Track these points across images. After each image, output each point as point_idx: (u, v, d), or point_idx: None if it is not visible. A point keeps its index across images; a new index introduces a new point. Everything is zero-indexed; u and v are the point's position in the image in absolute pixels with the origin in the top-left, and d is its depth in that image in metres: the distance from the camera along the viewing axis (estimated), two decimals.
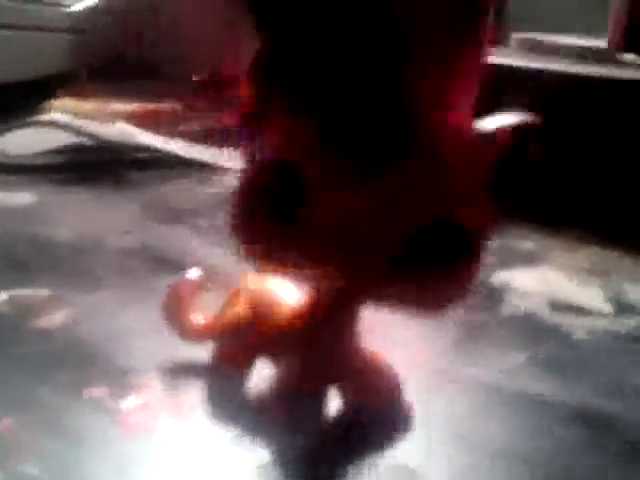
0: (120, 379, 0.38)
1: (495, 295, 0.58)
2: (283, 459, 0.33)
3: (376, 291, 0.30)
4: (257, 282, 0.38)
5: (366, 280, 0.29)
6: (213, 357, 0.38)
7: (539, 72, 0.88)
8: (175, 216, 0.72)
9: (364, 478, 0.32)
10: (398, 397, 0.37)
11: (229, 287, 0.39)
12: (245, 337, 0.37)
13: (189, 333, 0.40)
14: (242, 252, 0.30)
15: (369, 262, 0.28)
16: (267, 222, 0.28)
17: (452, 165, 0.29)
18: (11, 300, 0.47)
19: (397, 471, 0.33)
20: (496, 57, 0.95)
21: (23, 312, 0.45)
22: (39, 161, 0.87)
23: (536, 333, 0.51)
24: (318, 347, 0.34)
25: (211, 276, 0.42)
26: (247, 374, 0.37)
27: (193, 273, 0.41)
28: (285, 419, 0.34)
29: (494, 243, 0.74)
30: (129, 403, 0.36)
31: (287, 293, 0.35)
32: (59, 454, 0.32)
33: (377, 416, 0.36)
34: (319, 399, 0.35)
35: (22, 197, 0.74)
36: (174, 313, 0.40)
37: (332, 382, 0.35)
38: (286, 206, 0.28)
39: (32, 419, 0.34)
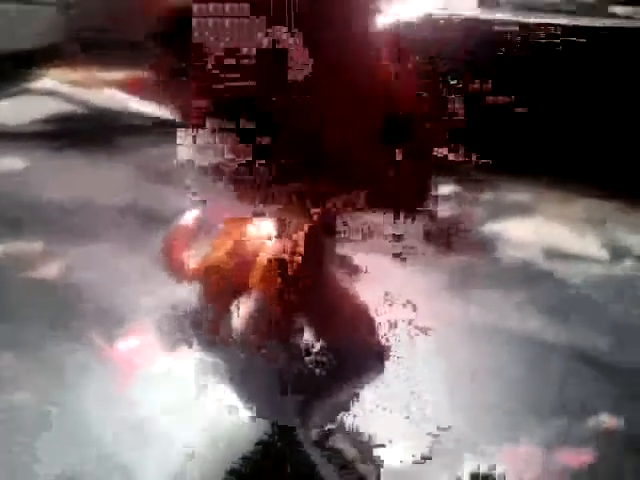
0: (112, 322, 0.38)
1: (489, 245, 0.58)
2: (261, 393, 0.33)
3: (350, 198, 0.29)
4: (240, 225, 0.38)
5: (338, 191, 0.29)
6: (199, 296, 0.38)
7: (530, 26, 0.87)
8: (165, 177, 0.72)
9: (346, 412, 0.32)
10: (372, 335, 0.36)
11: (218, 232, 0.39)
12: (227, 276, 0.37)
13: (181, 274, 0.40)
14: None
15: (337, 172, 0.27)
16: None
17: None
18: (5, 252, 0.47)
19: (388, 403, 0.33)
20: (489, 15, 0.95)
21: (18, 263, 0.45)
22: (31, 128, 0.87)
23: (531, 279, 0.51)
24: (293, 282, 0.34)
25: (204, 222, 0.42)
26: (230, 311, 0.37)
27: (188, 217, 0.41)
28: (262, 354, 0.34)
29: (487, 196, 0.74)
30: (124, 343, 0.36)
31: (266, 233, 0.35)
32: (50, 390, 0.32)
33: (351, 352, 0.36)
34: (293, 334, 0.35)
35: (14, 163, 0.74)
36: (169, 256, 0.40)
37: (307, 317, 0.35)
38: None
39: (29, 358, 0.34)
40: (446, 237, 0.56)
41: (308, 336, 0.36)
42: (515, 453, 0.28)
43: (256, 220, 0.37)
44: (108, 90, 0.97)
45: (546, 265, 0.51)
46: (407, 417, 0.30)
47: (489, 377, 0.33)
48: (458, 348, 0.36)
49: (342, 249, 0.49)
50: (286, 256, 0.34)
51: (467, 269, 0.48)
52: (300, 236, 0.33)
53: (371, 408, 0.32)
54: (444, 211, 0.67)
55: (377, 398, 0.33)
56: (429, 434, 0.28)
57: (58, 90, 0.89)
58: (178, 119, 0.93)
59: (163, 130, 0.92)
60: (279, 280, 0.34)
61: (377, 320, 0.36)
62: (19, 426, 0.27)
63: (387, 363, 0.36)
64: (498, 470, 0.27)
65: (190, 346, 0.37)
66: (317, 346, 0.36)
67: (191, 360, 0.35)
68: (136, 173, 0.71)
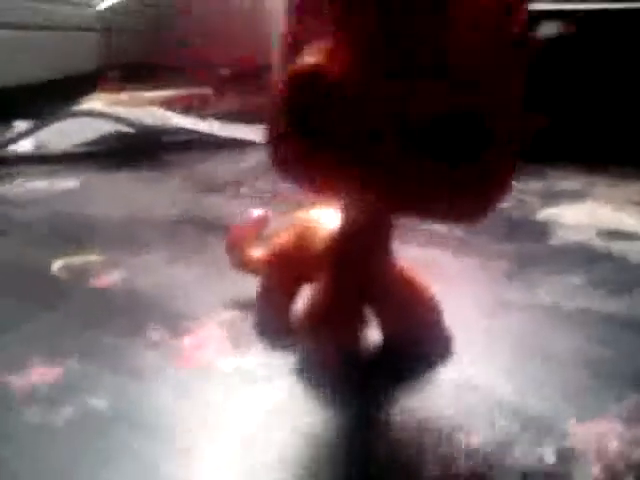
0: (176, 322, 0.39)
1: (544, 229, 0.58)
2: (328, 382, 0.33)
3: (408, 201, 0.28)
4: (301, 217, 0.38)
5: (398, 191, 0.28)
6: (261, 287, 0.39)
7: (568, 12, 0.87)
8: (214, 187, 0.73)
9: (414, 396, 0.32)
10: (436, 319, 0.36)
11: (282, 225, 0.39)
12: (289, 266, 0.37)
13: (244, 266, 0.42)
14: (277, 168, 0.29)
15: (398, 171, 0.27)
16: (296, 135, 0.28)
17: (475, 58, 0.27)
18: (66, 266, 0.48)
19: (461, 387, 0.33)
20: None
21: (79, 275, 0.46)
22: (81, 150, 0.89)
23: (589, 259, 0.50)
24: (355, 269, 0.34)
25: (267, 216, 0.43)
26: (292, 301, 0.38)
27: (255, 212, 0.42)
28: (328, 344, 0.34)
29: (538, 185, 0.74)
30: (185, 342, 0.37)
31: (327, 222, 0.36)
32: (124, 390, 0.32)
33: (414, 339, 0.36)
34: (357, 321, 0.35)
35: (68, 183, 0.76)
36: (233, 248, 0.42)
37: (369, 303, 0.35)
38: (314, 118, 0.27)
39: (98, 360, 0.35)
40: (501, 226, 0.56)
41: (374, 324, 0.36)
42: (594, 429, 0.28)
43: (320, 209, 0.37)
44: (153, 109, 0.99)
45: (603, 246, 0.50)
46: (484, 397, 0.30)
47: (560, 356, 0.33)
48: (524, 330, 0.36)
49: (395, 243, 0.49)
50: (349, 244, 0.34)
51: (525, 255, 0.48)
52: (362, 224, 0.33)
53: (447, 391, 0.32)
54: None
55: (453, 382, 0.33)
56: (508, 415, 0.28)
57: (105, 111, 0.90)
58: (224, 134, 0.94)
59: (207, 145, 0.94)
60: (343, 268, 0.34)
61: (442, 308, 0.36)
62: (95, 431, 0.27)
63: (455, 349, 0.36)
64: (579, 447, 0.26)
65: (257, 340, 0.38)
66: (383, 334, 0.37)
67: (259, 356, 0.36)
68: (185, 186, 0.73)
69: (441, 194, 0.27)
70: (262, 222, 0.42)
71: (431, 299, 0.36)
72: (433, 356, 0.36)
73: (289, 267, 0.37)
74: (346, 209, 0.33)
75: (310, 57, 0.28)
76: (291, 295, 0.37)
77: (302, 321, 0.34)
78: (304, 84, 0.27)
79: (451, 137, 0.26)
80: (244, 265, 0.41)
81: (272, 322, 0.38)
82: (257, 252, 0.41)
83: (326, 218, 0.36)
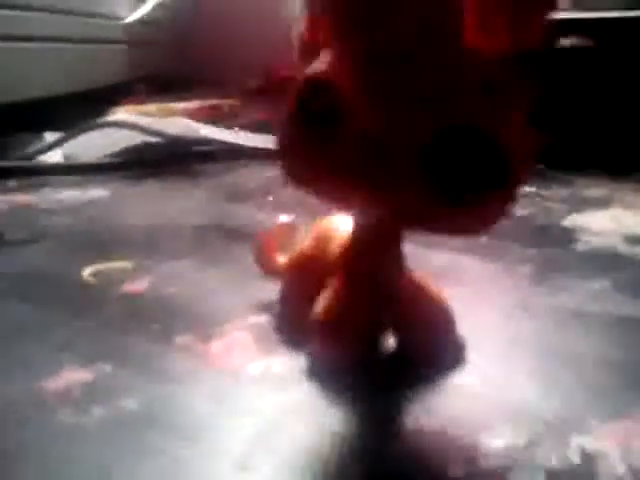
0: (205, 327, 0.40)
1: (569, 235, 0.58)
2: (347, 388, 0.33)
3: (418, 215, 0.28)
4: (322, 224, 0.39)
5: (402, 206, 0.27)
6: (283, 292, 0.40)
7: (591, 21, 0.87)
8: (240, 196, 0.74)
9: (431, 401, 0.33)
10: (450, 327, 0.37)
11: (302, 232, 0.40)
12: (308, 272, 0.38)
13: (270, 272, 0.43)
14: (288, 175, 0.29)
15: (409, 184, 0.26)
16: (308, 141, 0.28)
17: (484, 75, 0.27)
18: (97, 272, 0.49)
19: (483, 388, 0.33)
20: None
21: (109, 281, 0.47)
22: (109, 160, 0.91)
23: (614, 263, 0.50)
24: (365, 274, 0.34)
25: (294, 224, 0.44)
26: (312, 306, 0.38)
27: (283, 219, 0.43)
28: (345, 351, 0.35)
29: (564, 192, 0.74)
30: (214, 346, 0.38)
31: (346, 229, 0.36)
32: (154, 392, 0.33)
33: (429, 346, 0.36)
34: (374, 330, 0.35)
35: (99, 192, 0.77)
36: (260, 254, 0.43)
37: (386, 312, 0.35)
38: (326, 124, 0.27)
39: (128, 364, 0.36)
40: (527, 232, 0.56)
41: (390, 330, 0.36)
42: (618, 429, 0.28)
43: (341, 216, 0.38)
44: (179, 119, 1.00)
45: (628, 251, 0.50)
46: (509, 399, 0.30)
47: (583, 359, 0.33)
48: (548, 334, 0.36)
49: (417, 247, 0.49)
50: (359, 249, 0.34)
51: (551, 260, 0.48)
52: (372, 230, 0.33)
53: (469, 393, 0.32)
54: (520, 209, 0.67)
55: (474, 384, 0.33)
56: (531, 416, 0.29)
57: (133, 122, 0.92)
58: (251, 144, 0.95)
59: (234, 155, 0.95)
60: (353, 273, 0.35)
61: (454, 313, 0.37)
62: (129, 432, 0.28)
63: (475, 352, 0.37)
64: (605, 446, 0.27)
65: (283, 345, 0.38)
66: (398, 339, 0.37)
67: (287, 359, 0.36)
68: (212, 195, 0.74)
69: (443, 213, 0.26)
70: (289, 229, 0.43)
71: (443, 305, 0.37)
72: (446, 360, 0.36)
73: (308, 273, 0.38)
74: (356, 215, 0.34)
75: (319, 64, 0.29)
76: (311, 301, 0.38)
77: (312, 325, 0.35)
78: (307, 92, 0.28)
79: (456, 159, 0.25)
80: (273, 272, 0.42)
81: (292, 328, 0.39)
82: (283, 258, 0.42)
83: (345, 225, 0.36)
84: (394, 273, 0.35)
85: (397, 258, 0.35)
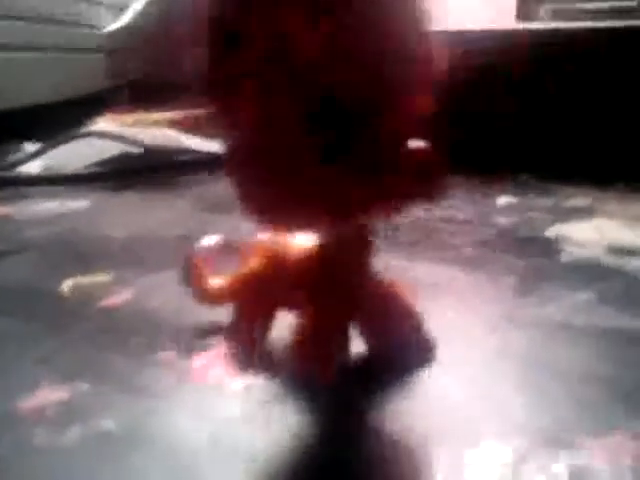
0: (185, 341, 0.39)
1: (553, 245, 0.58)
2: (313, 401, 0.33)
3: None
4: (267, 240, 0.37)
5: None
6: (234, 316, 0.38)
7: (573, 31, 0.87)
8: (224, 207, 0.73)
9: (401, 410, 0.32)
10: (419, 334, 0.37)
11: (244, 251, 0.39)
12: (262, 292, 0.37)
13: (208, 297, 0.41)
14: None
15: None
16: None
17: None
18: (76, 286, 0.48)
19: (467, 400, 0.33)
20: (530, 24, 0.95)
21: (88, 295, 0.47)
22: (89, 171, 0.90)
23: (599, 275, 0.50)
24: (333, 289, 0.34)
25: (227, 243, 0.42)
26: (268, 327, 0.37)
27: (207, 241, 0.41)
28: (311, 363, 0.34)
29: (548, 202, 0.74)
30: (195, 361, 0.37)
31: (296, 240, 0.35)
32: (134, 409, 0.32)
33: (399, 351, 0.36)
34: (341, 339, 0.35)
35: (77, 204, 0.76)
36: (192, 279, 0.41)
37: (351, 321, 0.35)
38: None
39: (107, 381, 0.35)
40: (510, 243, 0.56)
41: (356, 344, 0.36)
42: (606, 445, 0.28)
43: (287, 234, 0.36)
44: (160, 130, 0.99)
45: (613, 262, 0.50)
46: (494, 414, 0.30)
47: (570, 372, 0.33)
48: (533, 346, 0.36)
49: (401, 259, 0.49)
50: (323, 265, 0.34)
51: (535, 271, 0.47)
52: (334, 243, 0.33)
53: (453, 405, 0.31)
54: (504, 220, 0.67)
55: (461, 399, 0.32)
56: (520, 432, 0.28)
57: (113, 132, 0.91)
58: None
59: (216, 165, 0.95)
60: (319, 291, 0.34)
61: (423, 317, 0.37)
62: (108, 452, 0.27)
63: (457, 364, 0.36)
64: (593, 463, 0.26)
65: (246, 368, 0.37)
66: (367, 344, 0.37)
67: (270, 374, 0.36)
68: (194, 206, 0.73)
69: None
70: (218, 250, 0.42)
71: (411, 307, 0.36)
72: (418, 363, 0.36)
73: (262, 293, 0.36)
74: (320, 230, 0.33)
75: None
76: (266, 321, 0.37)
77: (294, 346, 0.34)
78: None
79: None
80: (207, 296, 0.41)
81: (249, 352, 0.37)
82: (217, 281, 0.40)
83: (295, 239, 0.35)
84: (364, 280, 0.35)
85: (367, 265, 0.35)
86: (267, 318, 0.37)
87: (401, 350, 0.36)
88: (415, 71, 0.27)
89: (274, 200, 0.28)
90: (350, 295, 0.34)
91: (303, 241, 0.35)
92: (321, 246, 0.33)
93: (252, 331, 0.37)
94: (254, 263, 0.37)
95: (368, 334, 0.36)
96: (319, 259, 0.34)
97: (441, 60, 0.28)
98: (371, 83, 0.27)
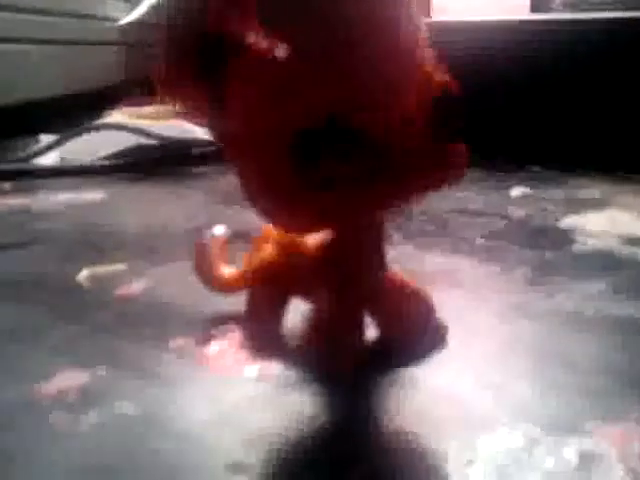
0: (200, 330, 0.40)
1: (566, 237, 0.58)
2: (329, 387, 0.33)
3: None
4: (279, 231, 0.38)
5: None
6: (248, 304, 0.39)
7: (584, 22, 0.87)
8: (238, 198, 0.73)
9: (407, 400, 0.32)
10: (431, 319, 0.37)
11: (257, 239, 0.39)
12: (275, 280, 0.37)
13: (219, 285, 0.42)
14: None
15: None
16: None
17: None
18: (92, 275, 0.49)
19: (479, 388, 0.33)
20: (543, 15, 0.95)
21: (104, 284, 0.47)
22: (104, 163, 0.90)
23: (611, 266, 0.50)
24: (346, 276, 0.34)
25: (239, 231, 0.43)
26: (282, 314, 0.38)
27: (219, 230, 0.42)
28: (331, 350, 0.35)
29: (560, 193, 0.74)
30: (209, 349, 0.37)
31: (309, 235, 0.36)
32: (149, 395, 0.33)
33: (411, 339, 0.37)
34: (357, 327, 0.35)
35: (93, 195, 0.77)
36: (204, 268, 0.41)
37: (364, 308, 0.35)
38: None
39: (123, 368, 0.35)
40: (523, 234, 0.56)
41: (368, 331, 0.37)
42: (616, 432, 0.28)
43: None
44: (175, 121, 1.00)
45: (625, 252, 0.50)
46: (505, 401, 0.30)
47: (581, 361, 0.33)
48: (545, 336, 0.36)
49: (414, 250, 0.49)
50: (344, 253, 0.34)
51: (547, 262, 0.48)
52: (354, 232, 0.34)
53: (465, 392, 0.32)
54: (517, 211, 0.67)
55: (470, 382, 0.33)
56: (527, 417, 0.28)
57: (129, 124, 0.92)
58: None
59: None
60: (332, 279, 0.35)
61: (434, 303, 0.37)
62: (124, 436, 0.28)
63: (469, 354, 0.37)
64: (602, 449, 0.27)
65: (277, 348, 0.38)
66: (381, 332, 0.37)
67: (284, 362, 0.36)
68: (208, 198, 0.73)
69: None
70: (230, 238, 0.42)
71: (424, 295, 0.37)
72: (430, 350, 0.36)
73: (276, 281, 0.37)
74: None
75: None
76: (280, 309, 0.38)
77: (310, 334, 0.35)
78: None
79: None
80: (218, 284, 0.41)
81: (264, 338, 0.38)
82: (227, 269, 0.41)
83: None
84: (378, 270, 0.35)
85: (380, 256, 0.35)
86: (281, 305, 0.38)
87: (413, 337, 0.36)
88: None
89: (283, 202, 0.28)
90: (363, 283, 0.35)
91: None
92: (334, 234, 0.34)
93: (266, 318, 0.38)
94: (267, 251, 0.37)
95: (381, 322, 0.36)
96: (332, 247, 0.34)
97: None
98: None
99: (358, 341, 0.35)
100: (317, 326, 0.35)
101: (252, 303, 0.38)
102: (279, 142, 0.27)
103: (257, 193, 0.29)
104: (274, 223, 0.30)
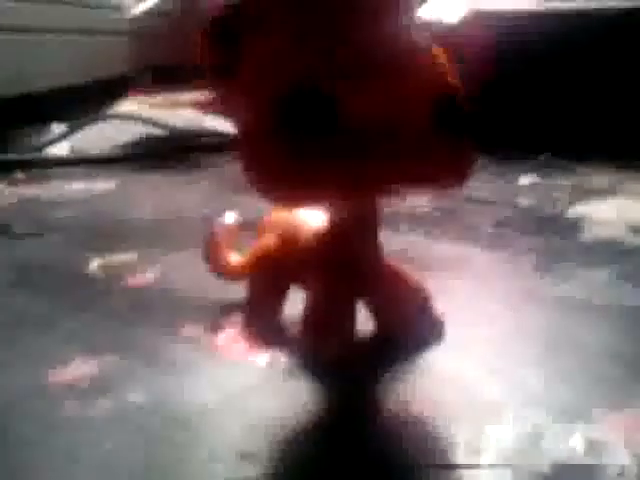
0: (210, 318, 0.40)
1: (574, 225, 0.58)
2: (332, 375, 0.34)
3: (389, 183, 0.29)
4: (281, 215, 0.39)
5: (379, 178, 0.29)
6: (248, 292, 0.39)
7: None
8: (245, 188, 0.74)
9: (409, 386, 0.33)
10: (427, 309, 0.37)
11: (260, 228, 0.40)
12: (275, 269, 0.38)
13: (227, 272, 0.42)
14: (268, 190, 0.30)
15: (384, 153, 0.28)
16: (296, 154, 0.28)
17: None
18: (104, 264, 0.49)
19: (488, 375, 0.33)
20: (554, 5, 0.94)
21: (115, 273, 0.48)
22: (115, 152, 0.91)
23: (619, 254, 0.50)
24: (343, 266, 0.35)
25: (246, 220, 0.43)
26: (281, 303, 0.39)
27: (229, 218, 0.42)
28: (320, 336, 0.35)
29: (569, 182, 0.73)
30: (220, 337, 0.38)
31: (309, 219, 0.36)
32: (161, 383, 0.33)
33: (407, 326, 0.37)
34: (349, 314, 0.36)
35: (103, 185, 0.77)
36: (213, 255, 0.42)
37: (360, 297, 0.36)
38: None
39: (135, 356, 0.36)
40: (531, 222, 0.56)
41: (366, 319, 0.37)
42: (624, 419, 0.28)
43: (301, 210, 0.37)
44: (185, 111, 1.00)
45: (633, 241, 0.50)
46: (513, 388, 0.30)
47: (589, 348, 0.33)
48: (553, 323, 0.36)
49: (421, 238, 0.50)
50: (339, 242, 0.35)
51: (555, 250, 0.48)
52: (350, 221, 0.34)
53: (475, 380, 0.32)
54: (525, 200, 0.67)
55: (477, 370, 0.33)
56: (536, 404, 0.29)
57: (139, 114, 0.92)
58: None
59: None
60: (337, 267, 0.35)
61: (430, 294, 0.37)
62: (138, 426, 0.28)
63: (477, 341, 0.37)
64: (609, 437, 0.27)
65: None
66: (378, 323, 0.37)
67: (293, 350, 0.37)
68: (217, 187, 0.74)
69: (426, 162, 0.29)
70: (237, 227, 0.43)
71: (419, 285, 0.37)
72: (426, 335, 0.37)
73: (275, 269, 0.38)
74: (332, 208, 0.34)
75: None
76: (280, 297, 0.38)
77: (304, 323, 0.35)
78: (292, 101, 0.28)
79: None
80: (225, 272, 0.42)
81: (263, 324, 0.39)
82: (235, 257, 0.42)
83: (308, 217, 0.36)
84: (374, 259, 0.35)
85: (375, 245, 0.35)
86: (280, 293, 0.38)
87: (410, 327, 0.37)
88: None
89: (287, 176, 0.29)
90: (359, 273, 0.35)
91: (315, 220, 0.36)
92: (331, 225, 0.34)
93: (265, 306, 0.39)
94: (269, 240, 0.38)
95: (377, 311, 0.37)
96: (329, 237, 0.34)
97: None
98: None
99: (349, 328, 0.35)
100: (310, 313, 0.35)
101: (252, 291, 0.39)
102: (267, 113, 0.28)
103: (250, 167, 0.29)
104: (267, 198, 0.31)
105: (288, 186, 0.28)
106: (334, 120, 0.27)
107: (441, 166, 0.29)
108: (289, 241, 0.37)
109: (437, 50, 0.30)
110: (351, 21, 0.28)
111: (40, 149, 0.89)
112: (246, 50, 0.29)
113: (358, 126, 0.27)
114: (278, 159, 0.28)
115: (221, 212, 0.43)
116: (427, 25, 0.31)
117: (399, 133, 0.28)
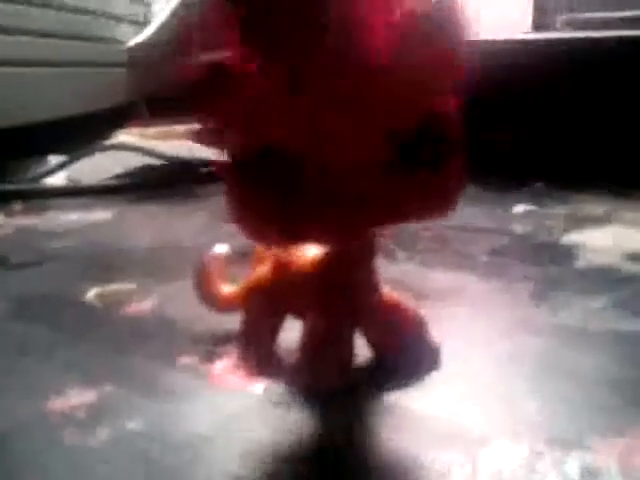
0: (207, 347, 0.40)
1: (569, 252, 0.58)
2: (325, 405, 0.34)
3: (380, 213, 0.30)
4: (274, 251, 0.38)
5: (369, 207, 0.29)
6: (244, 322, 0.39)
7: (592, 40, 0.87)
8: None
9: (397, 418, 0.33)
10: (423, 338, 0.37)
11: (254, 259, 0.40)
12: (270, 299, 0.38)
13: (219, 304, 0.42)
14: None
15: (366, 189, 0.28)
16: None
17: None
18: (101, 294, 0.50)
19: (483, 402, 0.33)
20: (545, 34, 0.95)
21: (113, 302, 0.48)
22: (112, 183, 0.91)
23: (614, 281, 0.51)
24: (339, 296, 0.35)
25: (239, 251, 0.43)
26: (276, 333, 0.39)
27: (219, 249, 0.42)
28: (318, 366, 0.35)
29: (564, 209, 0.74)
30: (217, 366, 0.38)
31: (304, 252, 0.36)
32: (159, 412, 0.33)
33: (403, 354, 0.37)
34: (346, 343, 0.36)
35: (100, 215, 0.78)
36: (203, 287, 0.42)
37: (356, 326, 0.36)
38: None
39: (132, 384, 0.36)
40: (527, 250, 0.57)
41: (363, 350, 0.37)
42: (619, 446, 0.28)
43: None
44: (182, 142, 1.01)
45: (628, 268, 0.51)
46: (508, 415, 0.30)
47: (584, 376, 0.33)
48: (549, 350, 0.37)
49: (418, 267, 0.50)
50: (337, 272, 0.35)
51: (551, 278, 0.48)
52: (346, 252, 0.34)
53: (469, 405, 0.32)
54: (520, 228, 0.67)
55: (473, 397, 0.33)
56: (531, 430, 0.29)
57: (136, 145, 0.93)
58: None
59: None
60: (334, 296, 0.35)
61: (427, 322, 0.37)
62: (137, 454, 0.28)
63: (473, 368, 0.37)
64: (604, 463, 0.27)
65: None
66: (374, 351, 0.37)
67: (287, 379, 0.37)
68: (214, 216, 0.74)
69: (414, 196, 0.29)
70: (230, 257, 0.42)
71: (416, 313, 0.37)
72: (423, 363, 0.37)
73: (270, 300, 0.38)
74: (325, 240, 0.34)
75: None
76: (275, 328, 0.38)
77: (303, 352, 0.35)
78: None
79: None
80: (218, 303, 0.42)
81: (258, 355, 0.38)
82: (227, 288, 0.41)
83: (303, 248, 0.36)
84: (370, 288, 0.36)
85: (371, 274, 0.36)
86: (275, 324, 0.38)
87: (406, 356, 0.37)
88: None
89: (277, 218, 0.29)
90: (355, 302, 0.35)
91: (311, 249, 0.36)
92: (327, 254, 0.34)
93: (260, 337, 0.39)
94: (264, 270, 0.38)
95: (374, 341, 0.37)
96: (325, 267, 0.35)
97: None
98: None
99: (347, 357, 0.36)
100: (307, 343, 0.35)
101: (247, 322, 0.39)
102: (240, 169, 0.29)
103: (232, 210, 0.30)
104: (249, 238, 0.31)
105: (262, 235, 0.29)
106: (299, 176, 0.28)
107: (414, 200, 0.29)
108: (284, 270, 0.37)
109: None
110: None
111: (38, 180, 0.90)
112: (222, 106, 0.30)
113: (322, 179, 0.28)
114: (250, 212, 0.28)
115: (217, 243, 0.43)
116: None
117: (361, 175, 0.28)
